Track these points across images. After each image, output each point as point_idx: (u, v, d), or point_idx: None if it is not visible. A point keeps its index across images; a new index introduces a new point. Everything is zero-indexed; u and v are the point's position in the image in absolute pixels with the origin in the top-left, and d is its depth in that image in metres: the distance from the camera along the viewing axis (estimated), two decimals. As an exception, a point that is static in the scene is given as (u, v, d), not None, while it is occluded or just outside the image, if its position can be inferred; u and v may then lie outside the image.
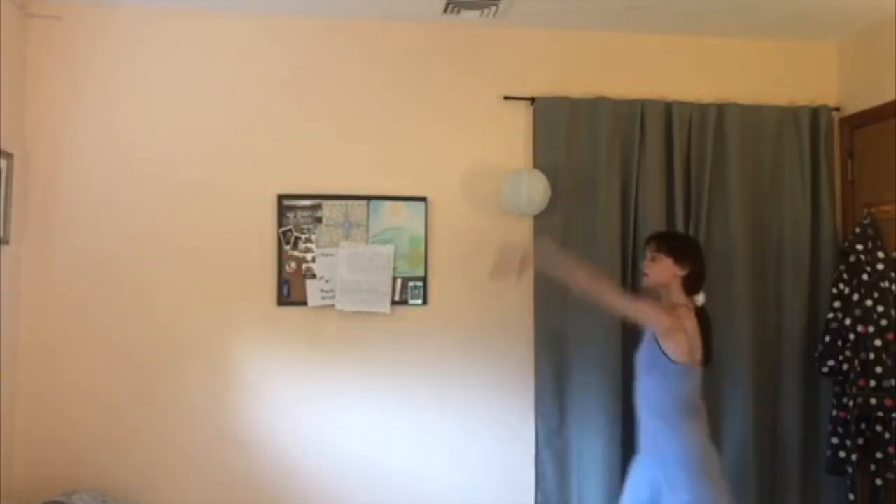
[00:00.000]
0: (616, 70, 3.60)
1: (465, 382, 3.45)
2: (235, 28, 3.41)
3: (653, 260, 2.85)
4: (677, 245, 2.89)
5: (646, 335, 2.79)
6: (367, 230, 3.43)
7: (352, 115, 3.46)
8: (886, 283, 3.26)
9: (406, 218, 3.45)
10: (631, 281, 3.46)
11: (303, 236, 3.40)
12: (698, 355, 2.72)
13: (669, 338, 2.66)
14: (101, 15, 3.31)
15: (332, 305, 3.38)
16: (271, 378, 3.36)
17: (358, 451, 3.39)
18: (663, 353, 2.66)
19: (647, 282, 2.88)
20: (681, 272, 2.79)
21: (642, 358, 2.79)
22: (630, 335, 3.46)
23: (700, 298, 2.83)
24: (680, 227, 3.49)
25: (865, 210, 3.45)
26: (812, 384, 3.52)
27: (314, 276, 3.39)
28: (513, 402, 3.48)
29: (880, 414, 3.19)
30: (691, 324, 2.69)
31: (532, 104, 3.51)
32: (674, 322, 2.66)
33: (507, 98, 3.51)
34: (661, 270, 2.82)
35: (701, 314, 2.77)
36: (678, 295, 2.79)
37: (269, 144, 3.40)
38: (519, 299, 3.50)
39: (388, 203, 3.44)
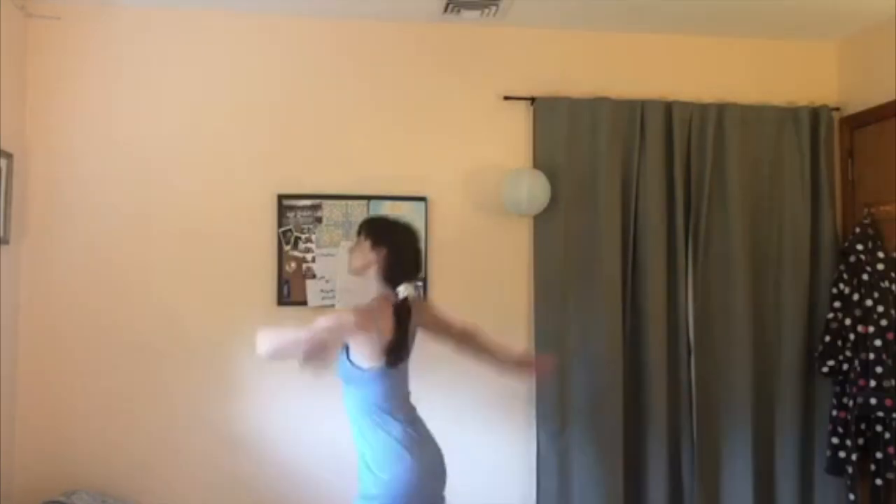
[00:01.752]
0: (616, 70, 3.60)
1: (464, 383, 3.45)
2: (235, 28, 3.41)
3: (355, 246, 2.69)
4: (376, 227, 2.68)
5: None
6: (367, 230, 3.43)
7: (352, 114, 3.46)
8: (886, 283, 3.27)
9: (406, 218, 3.44)
10: (631, 282, 3.47)
11: (303, 236, 3.40)
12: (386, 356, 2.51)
13: (353, 342, 2.51)
14: (101, 15, 3.31)
15: (333, 305, 3.38)
16: (271, 378, 3.36)
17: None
18: (350, 360, 2.52)
19: (349, 271, 2.71)
20: (377, 256, 2.58)
21: (339, 365, 2.60)
22: (631, 334, 3.48)
23: (402, 290, 2.56)
24: (680, 227, 3.50)
25: (865, 210, 3.45)
26: (812, 384, 3.52)
27: (314, 276, 3.39)
28: (513, 404, 3.48)
29: (880, 414, 3.20)
30: (385, 322, 2.49)
31: (532, 104, 3.51)
32: (359, 322, 2.47)
33: (507, 98, 3.51)
34: (357, 256, 2.65)
35: (399, 308, 2.52)
36: (376, 285, 2.59)
37: (269, 144, 3.40)
38: (519, 299, 3.51)
39: (388, 203, 3.44)
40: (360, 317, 2.50)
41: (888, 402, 3.16)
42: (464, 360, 3.44)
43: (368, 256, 2.60)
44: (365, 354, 2.51)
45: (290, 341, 2.57)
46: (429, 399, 3.44)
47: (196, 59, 3.40)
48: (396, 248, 2.61)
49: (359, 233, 2.69)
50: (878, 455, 3.24)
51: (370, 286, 2.62)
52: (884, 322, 3.22)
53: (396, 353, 2.54)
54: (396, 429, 2.55)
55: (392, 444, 2.53)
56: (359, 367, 2.52)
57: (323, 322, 2.53)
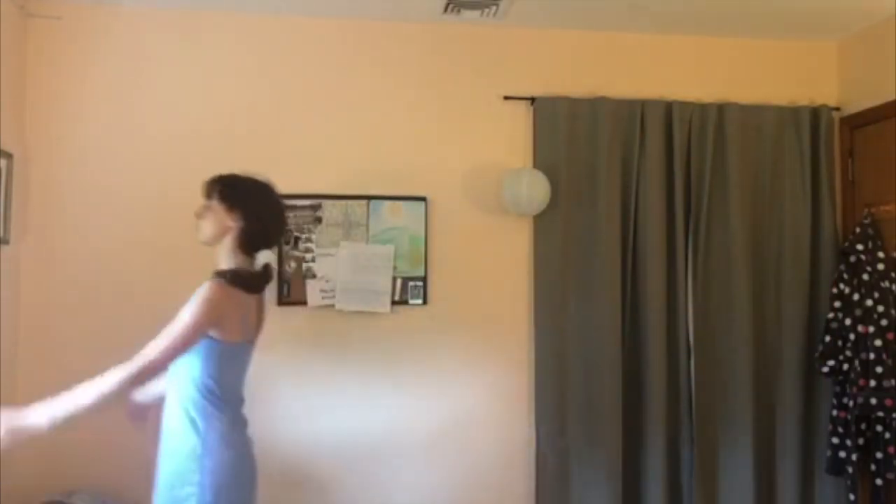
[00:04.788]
0: (616, 70, 3.60)
1: (464, 382, 3.45)
2: (235, 28, 3.41)
3: (206, 209, 2.34)
4: (233, 188, 2.34)
5: None
6: (367, 230, 3.43)
7: (352, 114, 3.46)
8: (887, 283, 3.27)
9: (406, 218, 3.45)
10: (631, 282, 3.47)
11: (303, 236, 3.40)
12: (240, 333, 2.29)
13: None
14: (101, 15, 3.31)
15: (332, 305, 3.38)
16: (271, 378, 3.35)
17: (357, 451, 3.39)
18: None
19: (199, 238, 2.38)
20: (234, 224, 2.30)
21: None
22: (631, 334, 3.48)
23: (264, 256, 2.41)
24: (680, 227, 3.50)
25: (865, 210, 3.45)
26: (812, 384, 3.52)
27: (314, 276, 3.39)
28: (513, 403, 3.48)
29: (880, 414, 3.20)
30: (227, 298, 2.23)
31: (532, 104, 3.51)
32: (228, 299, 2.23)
33: (507, 98, 3.51)
34: (211, 223, 2.32)
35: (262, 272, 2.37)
36: (233, 255, 2.31)
37: (269, 144, 3.40)
38: (519, 299, 3.51)
39: (388, 203, 3.44)
40: (223, 290, 2.24)
41: (888, 402, 3.16)
42: (459, 358, 3.46)
43: (222, 223, 2.31)
44: (226, 329, 2.25)
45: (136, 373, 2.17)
46: (428, 398, 3.45)
47: (196, 59, 3.40)
48: (259, 215, 2.33)
49: (209, 195, 2.34)
50: (878, 455, 3.24)
51: (223, 256, 2.35)
52: (884, 322, 3.22)
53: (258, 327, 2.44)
54: (226, 414, 2.30)
55: (224, 429, 2.28)
56: (209, 336, 2.23)
57: (188, 320, 2.19)
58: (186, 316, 2.20)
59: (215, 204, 2.32)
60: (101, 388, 2.19)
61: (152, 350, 2.17)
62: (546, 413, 3.41)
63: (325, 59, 3.47)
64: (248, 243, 2.34)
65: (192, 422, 2.26)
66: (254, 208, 2.33)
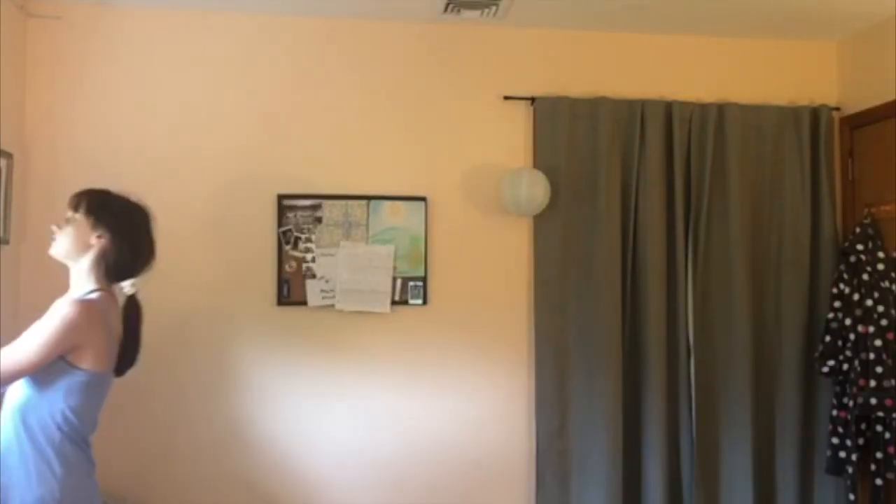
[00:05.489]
0: (616, 70, 3.60)
1: (464, 382, 3.45)
2: (235, 28, 3.41)
3: (66, 222, 2.13)
4: (102, 203, 2.15)
5: None
6: (367, 230, 3.43)
7: (352, 114, 3.46)
8: (887, 283, 3.27)
9: (406, 218, 3.45)
10: (631, 282, 3.47)
11: (303, 236, 3.40)
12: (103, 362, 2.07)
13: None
14: (101, 15, 3.31)
15: (332, 305, 3.38)
16: (271, 378, 3.36)
17: (357, 452, 3.39)
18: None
19: (52, 252, 2.16)
20: (97, 242, 2.10)
21: None
22: (631, 334, 3.48)
23: (128, 286, 2.19)
24: (680, 227, 3.49)
25: (865, 210, 3.45)
26: (812, 384, 3.52)
27: (314, 276, 3.39)
28: (513, 403, 3.48)
29: (880, 414, 3.20)
30: (95, 323, 2.03)
31: (532, 104, 3.51)
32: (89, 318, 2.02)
33: (507, 98, 3.51)
34: (71, 237, 2.11)
35: (130, 307, 2.18)
36: (91, 277, 2.10)
37: (269, 144, 3.40)
38: (519, 299, 3.50)
39: (388, 203, 3.44)
40: (89, 312, 2.04)
41: (888, 402, 3.16)
42: (459, 358, 3.46)
43: (82, 239, 2.12)
44: (89, 357, 2.04)
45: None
46: (428, 398, 3.45)
47: (196, 60, 3.39)
48: (129, 236, 2.17)
49: (74, 207, 2.15)
50: (878, 455, 3.24)
51: (80, 277, 2.15)
52: (884, 322, 3.22)
53: (130, 358, 2.22)
54: (84, 451, 2.10)
55: (81, 467, 2.08)
56: (72, 365, 2.02)
57: (41, 342, 1.97)
58: (39, 337, 1.97)
59: (80, 217, 2.13)
60: None
61: None
62: (546, 413, 3.41)
63: (325, 58, 3.47)
64: (111, 267, 2.14)
65: (48, 464, 2.00)
66: (122, 228, 2.16)
